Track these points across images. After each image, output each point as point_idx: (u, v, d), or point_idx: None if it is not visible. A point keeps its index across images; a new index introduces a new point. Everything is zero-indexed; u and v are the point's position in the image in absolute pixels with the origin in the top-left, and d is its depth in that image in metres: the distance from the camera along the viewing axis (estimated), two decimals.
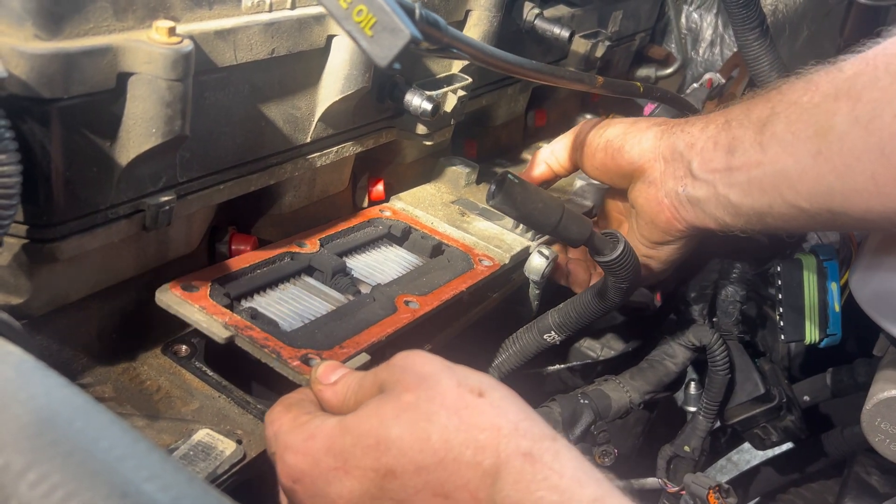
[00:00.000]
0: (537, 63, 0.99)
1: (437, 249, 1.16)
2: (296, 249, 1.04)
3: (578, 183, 1.40)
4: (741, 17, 1.36)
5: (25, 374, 0.52)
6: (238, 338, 0.86)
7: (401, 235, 1.18)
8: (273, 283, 0.99)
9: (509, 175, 0.95)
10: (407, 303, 0.99)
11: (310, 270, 1.04)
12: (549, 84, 1.10)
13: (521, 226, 1.23)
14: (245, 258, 0.99)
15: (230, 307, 0.91)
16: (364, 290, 1.04)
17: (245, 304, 0.94)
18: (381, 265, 1.11)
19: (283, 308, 0.96)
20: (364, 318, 0.95)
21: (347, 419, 0.61)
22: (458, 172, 1.33)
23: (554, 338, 1.10)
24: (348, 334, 0.91)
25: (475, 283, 1.08)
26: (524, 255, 1.20)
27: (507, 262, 1.15)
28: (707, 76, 1.67)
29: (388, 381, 0.63)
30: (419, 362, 0.63)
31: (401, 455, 0.57)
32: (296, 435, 0.63)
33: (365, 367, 0.87)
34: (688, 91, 1.73)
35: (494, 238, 1.20)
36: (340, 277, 1.03)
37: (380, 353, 0.91)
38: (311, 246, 1.06)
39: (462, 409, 0.58)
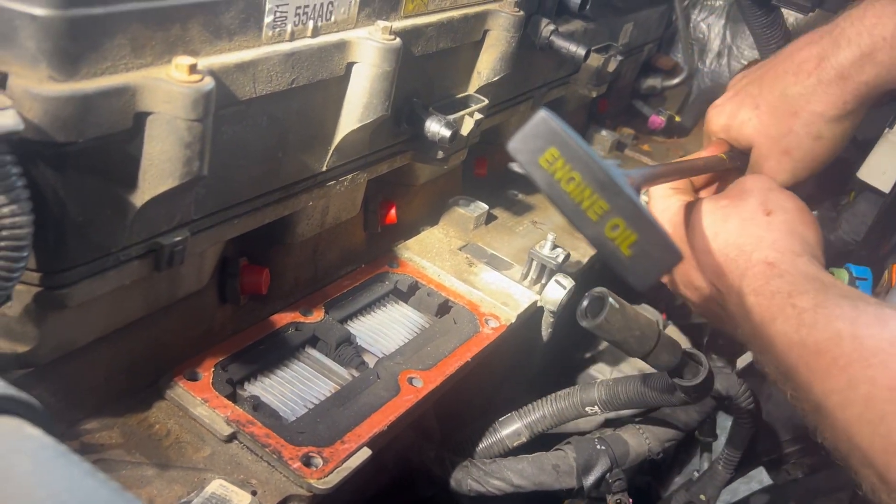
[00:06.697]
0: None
1: (444, 308, 1.13)
2: (300, 319, 1.02)
3: None
4: (766, 37, 1.33)
5: (45, 465, 0.48)
6: (240, 434, 0.85)
7: (407, 291, 1.15)
8: (277, 361, 0.97)
9: (610, 299, 0.86)
10: (411, 380, 0.97)
11: (314, 341, 1.02)
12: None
13: (530, 277, 1.19)
14: (250, 333, 0.98)
15: (233, 396, 0.90)
16: (368, 359, 1.01)
17: (248, 388, 0.93)
18: (386, 329, 1.08)
19: (285, 391, 0.94)
20: (367, 401, 0.93)
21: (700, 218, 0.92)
22: (467, 217, 1.29)
23: (596, 412, 1.07)
24: (350, 424, 0.90)
25: (480, 351, 1.05)
26: (532, 310, 1.17)
27: (513, 321, 1.12)
28: None
29: (730, 187, 0.97)
30: (749, 180, 0.95)
31: (702, 238, 0.88)
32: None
33: (367, 461, 0.87)
34: None
35: (502, 293, 1.16)
36: (345, 347, 1.01)
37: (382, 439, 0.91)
38: (316, 314, 1.04)
39: (748, 221, 0.87)
